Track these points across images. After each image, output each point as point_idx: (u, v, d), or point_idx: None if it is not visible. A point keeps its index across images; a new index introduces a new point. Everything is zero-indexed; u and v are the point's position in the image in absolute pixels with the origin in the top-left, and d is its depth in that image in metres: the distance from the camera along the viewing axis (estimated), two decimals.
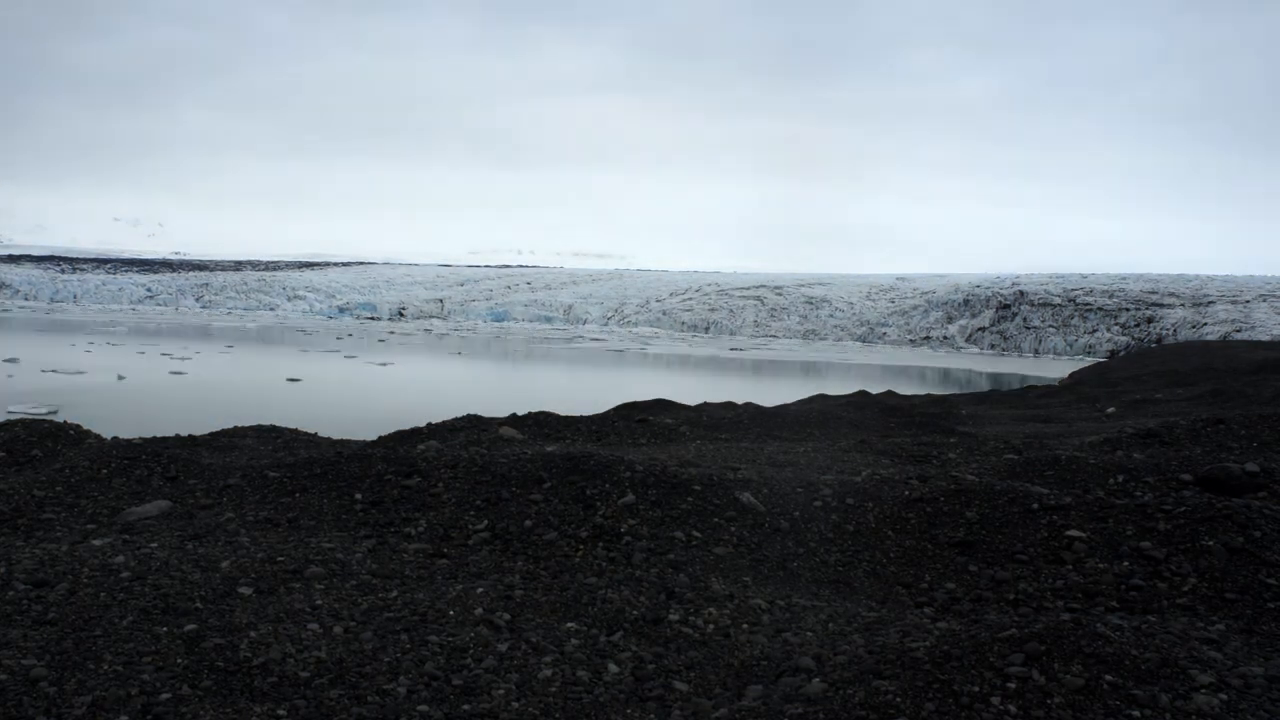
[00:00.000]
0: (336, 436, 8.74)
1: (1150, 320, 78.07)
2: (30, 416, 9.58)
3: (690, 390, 26.39)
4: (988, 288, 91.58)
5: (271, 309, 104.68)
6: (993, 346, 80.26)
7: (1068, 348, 76.86)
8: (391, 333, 71.40)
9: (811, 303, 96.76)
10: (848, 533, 4.70)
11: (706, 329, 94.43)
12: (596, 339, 75.12)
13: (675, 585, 4.09)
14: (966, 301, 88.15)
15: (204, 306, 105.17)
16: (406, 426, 9.14)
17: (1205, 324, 74.89)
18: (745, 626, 3.67)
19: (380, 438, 8.28)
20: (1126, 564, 4.04)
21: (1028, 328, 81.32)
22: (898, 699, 2.74)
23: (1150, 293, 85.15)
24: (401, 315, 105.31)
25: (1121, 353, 67.67)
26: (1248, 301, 78.89)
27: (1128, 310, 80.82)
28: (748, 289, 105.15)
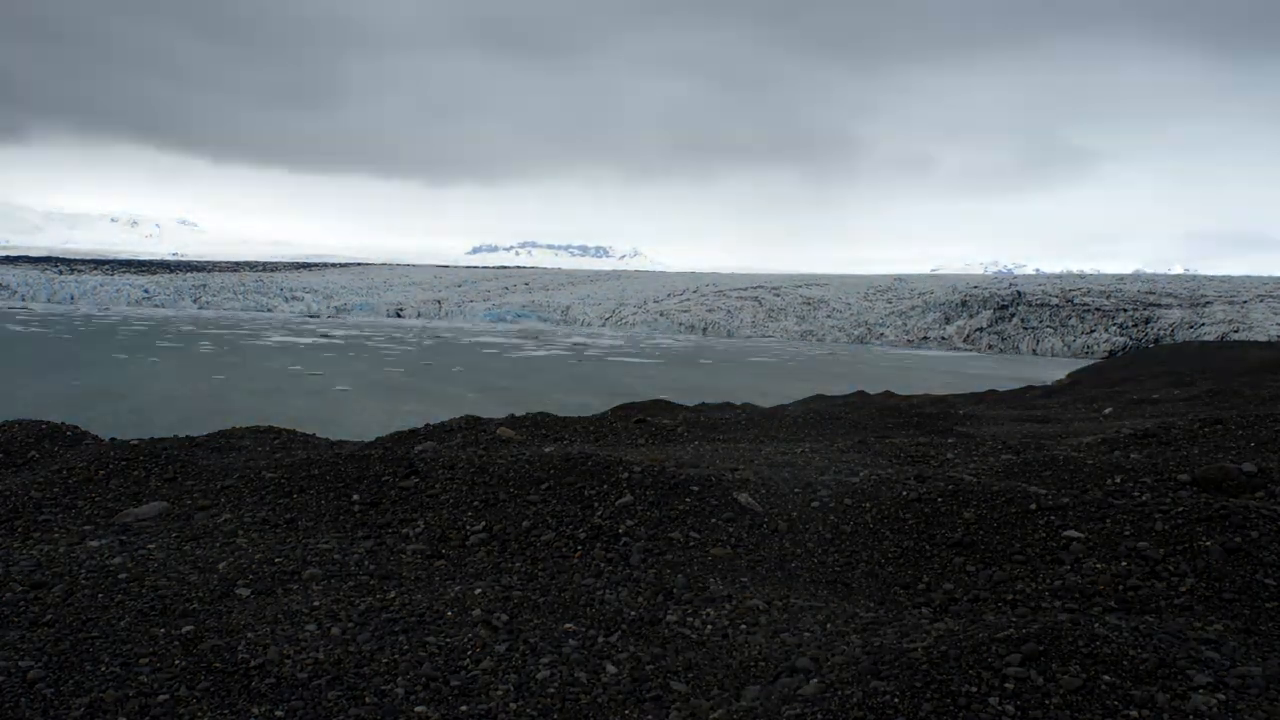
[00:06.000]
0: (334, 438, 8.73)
1: (1148, 321, 78.18)
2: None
3: (688, 391, 26.38)
4: (985, 288, 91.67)
5: (269, 310, 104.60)
6: (990, 347, 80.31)
7: (1065, 348, 76.93)
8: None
9: (809, 304, 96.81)
10: (845, 533, 4.70)
11: (704, 330, 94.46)
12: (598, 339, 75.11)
13: (673, 586, 4.09)
14: (964, 302, 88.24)
15: (201, 308, 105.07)
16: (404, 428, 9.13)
17: (1203, 324, 75.03)
18: (743, 627, 3.67)
19: (378, 439, 8.27)
20: (1124, 564, 4.04)
21: (1025, 328, 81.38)
22: (895, 699, 2.75)
23: (1148, 293, 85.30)
24: (399, 316, 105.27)
25: (1119, 353, 67.76)
26: (1245, 302, 79.03)
27: (1125, 311, 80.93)
28: (745, 290, 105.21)
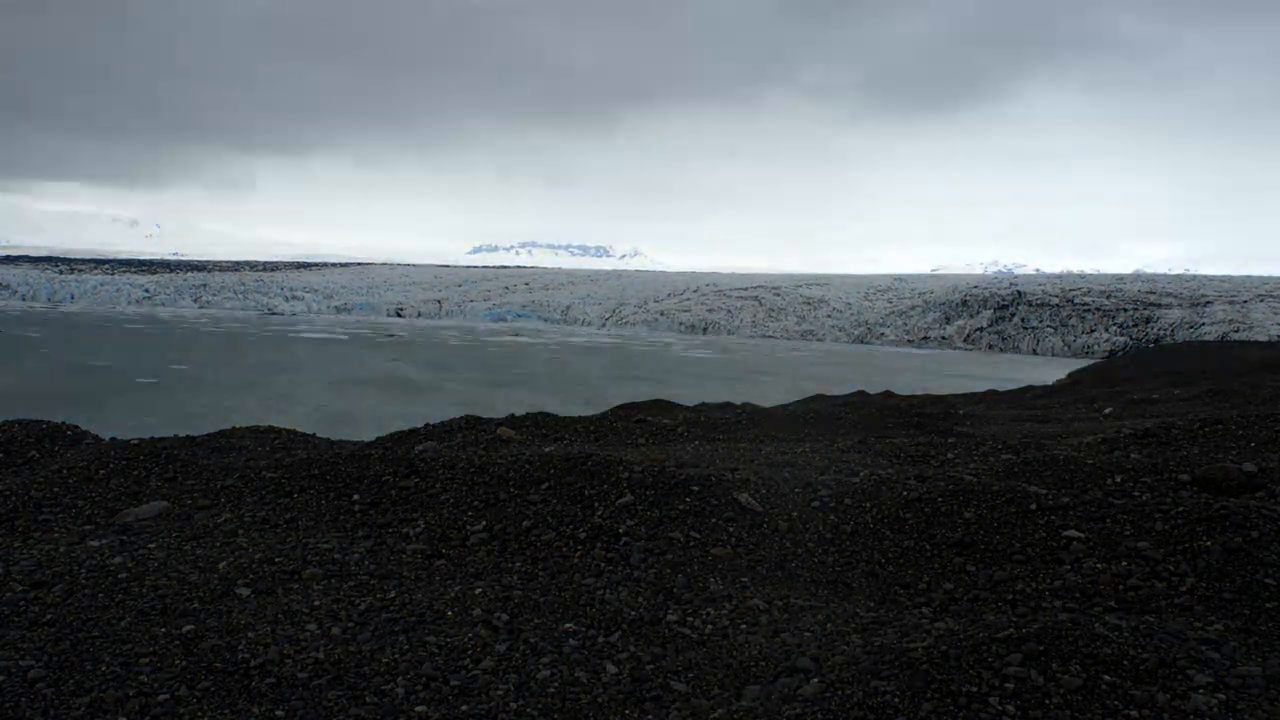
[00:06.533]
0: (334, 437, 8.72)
1: (1148, 320, 78.17)
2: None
3: (688, 391, 26.40)
4: (985, 288, 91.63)
5: (270, 310, 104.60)
6: (991, 347, 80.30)
7: (1066, 348, 76.92)
8: None
9: (809, 303, 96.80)
10: (846, 533, 4.70)
11: (704, 330, 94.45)
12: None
13: (673, 586, 4.09)
14: (965, 302, 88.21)
15: (202, 308, 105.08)
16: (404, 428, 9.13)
17: (1203, 324, 75.02)
18: (743, 627, 3.67)
19: (378, 438, 8.27)
20: (1124, 564, 4.04)
21: (1026, 328, 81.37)
22: (896, 699, 2.75)
23: (1148, 293, 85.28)
24: (400, 315, 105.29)
25: (1119, 353, 67.75)
26: (1245, 302, 79.02)
27: (1125, 310, 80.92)
28: (745, 290, 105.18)
